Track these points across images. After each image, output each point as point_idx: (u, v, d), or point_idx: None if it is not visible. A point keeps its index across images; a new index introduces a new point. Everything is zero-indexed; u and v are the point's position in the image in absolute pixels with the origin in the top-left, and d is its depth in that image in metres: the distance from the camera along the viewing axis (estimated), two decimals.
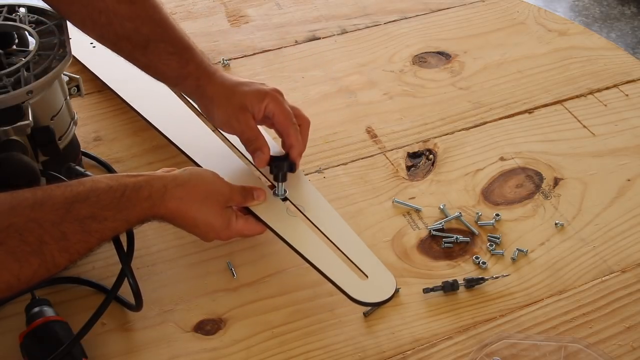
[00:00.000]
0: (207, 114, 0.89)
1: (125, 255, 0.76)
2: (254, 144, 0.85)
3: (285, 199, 0.86)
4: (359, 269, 0.80)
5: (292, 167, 0.86)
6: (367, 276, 0.80)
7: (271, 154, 0.85)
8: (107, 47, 0.87)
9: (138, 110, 0.99)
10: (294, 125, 0.86)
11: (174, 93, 1.02)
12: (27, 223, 0.65)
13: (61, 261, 0.67)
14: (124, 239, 0.77)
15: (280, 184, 0.85)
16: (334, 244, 0.82)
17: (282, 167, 0.85)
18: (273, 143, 0.94)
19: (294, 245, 0.81)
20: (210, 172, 0.80)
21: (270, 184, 0.87)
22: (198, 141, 0.93)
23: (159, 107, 0.99)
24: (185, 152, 0.91)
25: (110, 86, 1.04)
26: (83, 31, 0.86)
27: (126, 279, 0.75)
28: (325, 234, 0.83)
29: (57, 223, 0.66)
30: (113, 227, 0.71)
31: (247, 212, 0.83)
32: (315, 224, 0.84)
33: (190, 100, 1.02)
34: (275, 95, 0.85)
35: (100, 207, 0.69)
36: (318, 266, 0.79)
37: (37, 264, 0.65)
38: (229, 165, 0.89)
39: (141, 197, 0.72)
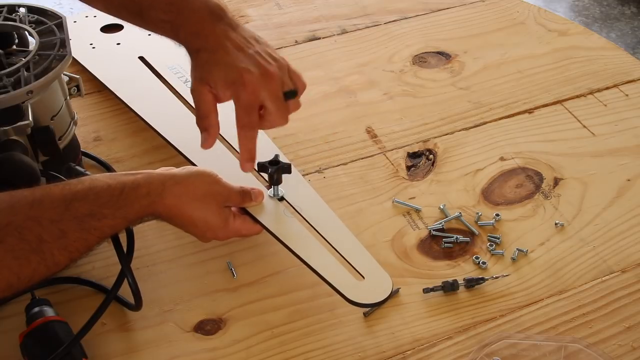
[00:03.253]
0: None
1: (125, 256, 0.76)
2: (201, 122, 0.82)
3: (282, 199, 0.86)
4: (355, 269, 0.80)
5: (285, 171, 0.85)
6: (363, 277, 0.80)
7: (263, 160, 0.85)
8: (116, 17, 0.87)
9: (136, 111, 0.99)
10: (243, 132, 0.81)
11: (172, 93, 1.03)
12: (25, 221, 0.65)
13: (61, 259, 0.67)
14: (124, 239, 0.77)
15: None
16: (330, 244, 0.82)
17: (273, 171, 0.84)
18: (267, 139, 0.94)
19: (289, 246, 0.81)
20: (209, 171, 0.80)
21: (267, 184, 0.87)
22: (196, 142, 0.93)
23: (157, 107, 1.00)
24: (183, 153, 0.91)
25: (109, 86, 1.04)
26: (91, 5, 0.85)
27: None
28: (322, 234, 0.83)
29: (55, 221, 0.66)
30: (112, 224, 0.71)
31: (244, 212, 0.83)
32: (312, 225, 0.84)
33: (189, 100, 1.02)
34: (243, 94, 0.79)
35: (98, 205, 0.69)
36: (314, 267, 0.79)
37: (37, 262, 0.65)
38: (226, 165, 0.89)
39: (139, 195, 0.72)
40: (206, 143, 0.83)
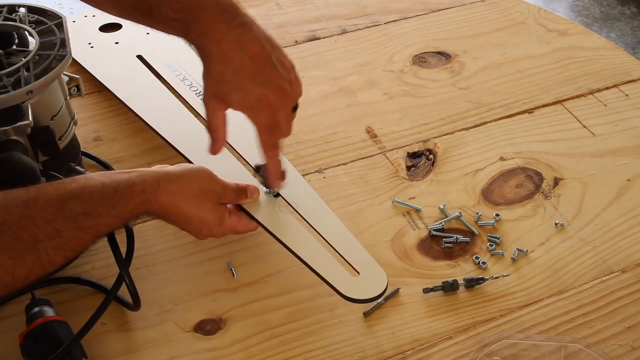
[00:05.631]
0: None
1: (122, 258, 0.76)
2: (212, 134, 0.81)
3: (277, 195, 0.86)
4: (351, 265, 0.80)
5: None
6: (358, 272, 0.80)
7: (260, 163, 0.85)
8: (128, 19, 0.84)
9: (133, 109, 0.99)
10: (271, 153, 0.81)
11: (169, 92, 1.02)
12: (20, 221, 0.65)
13: (56, 259, 0.67)
14: (123, 239, 0.77)
15: None
16: (325, 240, 0.82)
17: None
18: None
19: (285, 242, 0.81)
20: (204, 168, 0.80)
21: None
22: (192, 139, 0.93)
23: (154, 105, 0.99)
24: (179, 151, 0.91)
25: (107, 85, 1.04)
26: (101, 9, 0.84)
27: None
28: (317, 230, 0.83)
29: (50, 220, 0.66)
30: (107, 223, 0.71)
31: (240, 208, 0.83)
32: (308, 221, 0.84)
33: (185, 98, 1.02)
34: (263, 117, 0.79)
35: (93, 203, 0.69)
36: (309, 263, 0.79)
37: (32, 262, 0.65)
38: (223, 163, 0.89)
39: (134, 193, 0.72)
40: (214, 150, 0.83)
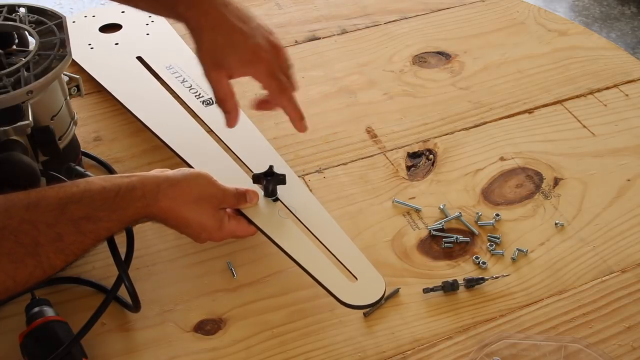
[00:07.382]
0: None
1: (121, 261, 0.75)
2: (223, 105, 0.83)
3: (276, 200, 0.85)
4: (349, 270, 0.80)
5: (280, 182, 0.85)
6: (356, 278, 0.80)
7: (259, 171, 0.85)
8: (120, 2, 0.86)
9: (132, 112, 0.99)
10: (285, 96, 0.83)
11: (169, 93, 1.02)
12: (21, 224, 0.65)
13: (57, 262, 0.67)
14: (123, 240, 0.77)
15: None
16: (324, 245, 0.82)
17: (269, 183, 0.84)
18: (267, 143, 0.94)
19: (283, 247, 0.81)
20: (204, 173, 0.80)
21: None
22: (192, 143, 0.93)
23: (153, 108, 0.99)
24: (178, 154, 0.91)
25: (106, 87, 1.04)
26: None
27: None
28: (316, 235, 0.83)
29: (51, 224, 0.66)
30: (107, 227, 0.71)
31: (239, 213, 0.83)
32: (306, 226, 0.84)
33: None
34: (263, 68, 0.81)
35: (94, 207, 0.69)
36: (307, 268, 0.79)
37: (33, 265, 0.65)
38: (222, 167, 0.89)
39: (134, 197, 0.72)
40: (230, 123, 0.84)
